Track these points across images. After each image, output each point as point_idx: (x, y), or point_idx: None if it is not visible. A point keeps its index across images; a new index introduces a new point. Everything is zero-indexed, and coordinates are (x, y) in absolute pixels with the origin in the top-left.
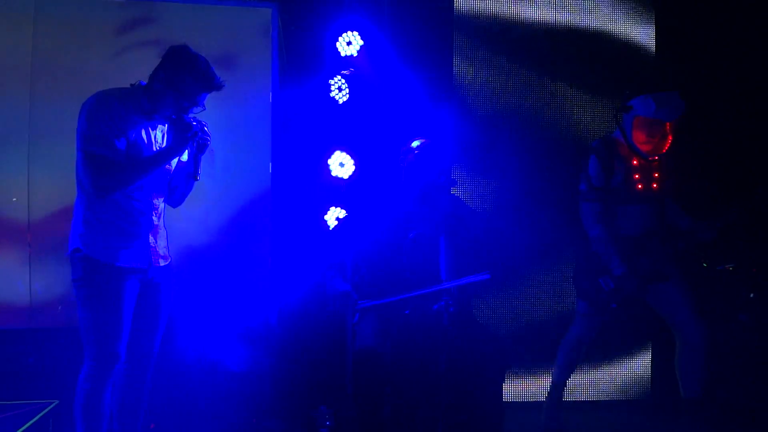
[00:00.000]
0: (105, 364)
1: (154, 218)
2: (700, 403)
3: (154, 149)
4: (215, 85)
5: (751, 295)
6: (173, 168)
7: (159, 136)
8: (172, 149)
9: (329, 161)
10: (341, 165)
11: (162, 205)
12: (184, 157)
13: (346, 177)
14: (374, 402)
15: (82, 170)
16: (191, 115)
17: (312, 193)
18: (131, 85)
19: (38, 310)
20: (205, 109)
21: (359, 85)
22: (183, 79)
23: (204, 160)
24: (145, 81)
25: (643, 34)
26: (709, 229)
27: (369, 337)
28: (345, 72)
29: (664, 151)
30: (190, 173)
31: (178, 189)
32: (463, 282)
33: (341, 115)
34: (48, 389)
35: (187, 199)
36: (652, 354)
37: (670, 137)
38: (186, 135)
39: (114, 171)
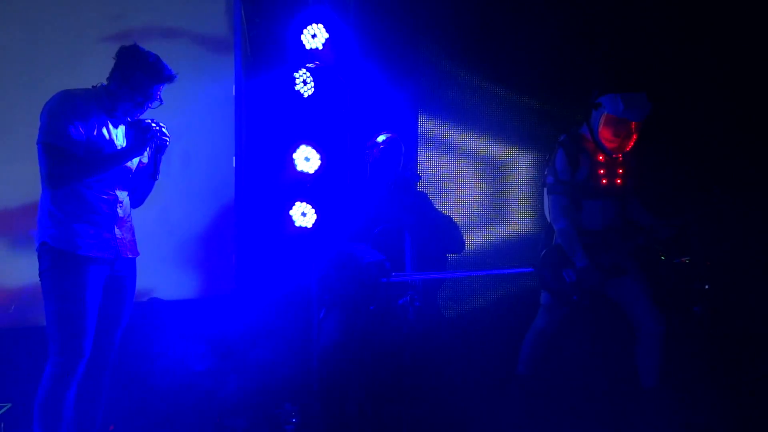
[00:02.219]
0: (69, 360)
1: (119, 210)
2: (658, 392)
3: (116, 146)
4: (165, 77)
5: (706, 287)
6: (135, 167)
7: (120, 135)
8: (131, 150)
9: (294, 156)
10: (307, 159)
11: (127, 198)
12: (145, 158)
13: (311, 172)
14: (340, 397)
15: (40, 162)
16: (147, 119)
17: (277, 188)
18: (93, 86)
19: None
20: (162, 103)
21: (324, 78)
22: (133, 74)
23: (166, 154)
24: (106, 82)
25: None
26: (668, 226)
27: (334, 332)
28: (310, 65)
29: (627, 149)
30: (150, 174)
31: (138, 189)
32: (508, 272)
33: (306, 109)
34: (1, 392)
35: (150, 193)
36: (610, 345)
37: (635, 136)
38: (145, 136)
39: (68, 162)
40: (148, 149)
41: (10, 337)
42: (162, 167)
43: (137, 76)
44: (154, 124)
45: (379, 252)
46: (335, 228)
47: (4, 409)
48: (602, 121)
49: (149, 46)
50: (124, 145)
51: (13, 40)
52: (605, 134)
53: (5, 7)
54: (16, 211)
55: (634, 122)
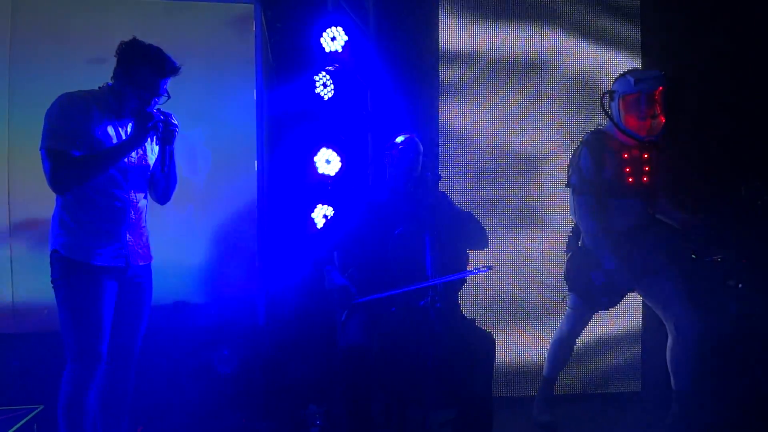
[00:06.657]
0: (86, 365)
1: (133, 216)
2: (690, 395)
3: None
4: (168, 70)
5: (740, 286)
6: (151, 164)
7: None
8: (131, 141)
9: (315, 158)
10: (327, 162)
11: (143, 202)
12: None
13: (332, 174)
14: (363, 400)
15: (43, 168)
16: (156, 107)
17: (299, 191)
18: (99, 87)
19: (22, 313)
20: (169, 98)
21: (344, 81)
22: (136, 70)
23: (189, 158)
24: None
25: (629, 29)
26: (699, 224)
27: (356, 334)
28: (330, 68)
29: (659, 131)
30: (159, 167)
31: (159, 184)
32: (463, 275)
33: (327, 112)
34: (33, 394)
35: (173, 198)
36: (642, 346)
37: (662, 118)
38: (146, 126)
39: (70, 165)
40: (150, 140)
41: (43, 341)
42: (187, 170)
43: (140, 71)
44: (157, 113)
45: (397, 255)
46: (354, 230)
47: (37, 411)
48: (621, 107)
49: (173, 55)
50: None
51: (45, 57)
52: (630, 120)
53: (38, 26)
54: (44, 217)
55: (654, 97)
